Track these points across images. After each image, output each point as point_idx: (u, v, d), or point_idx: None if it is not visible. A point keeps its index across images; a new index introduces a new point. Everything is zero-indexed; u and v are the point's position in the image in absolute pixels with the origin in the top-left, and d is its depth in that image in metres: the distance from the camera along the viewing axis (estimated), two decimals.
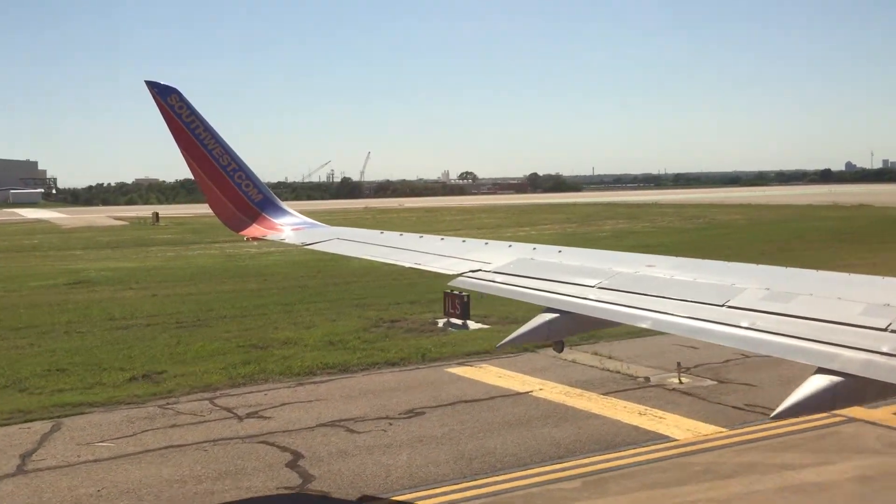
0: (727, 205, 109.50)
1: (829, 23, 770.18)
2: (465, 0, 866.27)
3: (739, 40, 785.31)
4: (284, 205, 12.88)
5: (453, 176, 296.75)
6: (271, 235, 12.14)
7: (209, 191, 11.97)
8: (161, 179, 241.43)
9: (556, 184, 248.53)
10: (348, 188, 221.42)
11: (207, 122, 11.57)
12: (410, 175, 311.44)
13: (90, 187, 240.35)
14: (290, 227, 12.36)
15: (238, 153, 12.04)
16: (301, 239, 11.84)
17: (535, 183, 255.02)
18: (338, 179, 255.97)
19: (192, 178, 12.20)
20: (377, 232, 11.69)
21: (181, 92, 11.32)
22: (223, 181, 11.89)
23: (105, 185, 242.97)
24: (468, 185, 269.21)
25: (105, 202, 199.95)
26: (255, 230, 12.15)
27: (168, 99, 11.26)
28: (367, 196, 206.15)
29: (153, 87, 11.21)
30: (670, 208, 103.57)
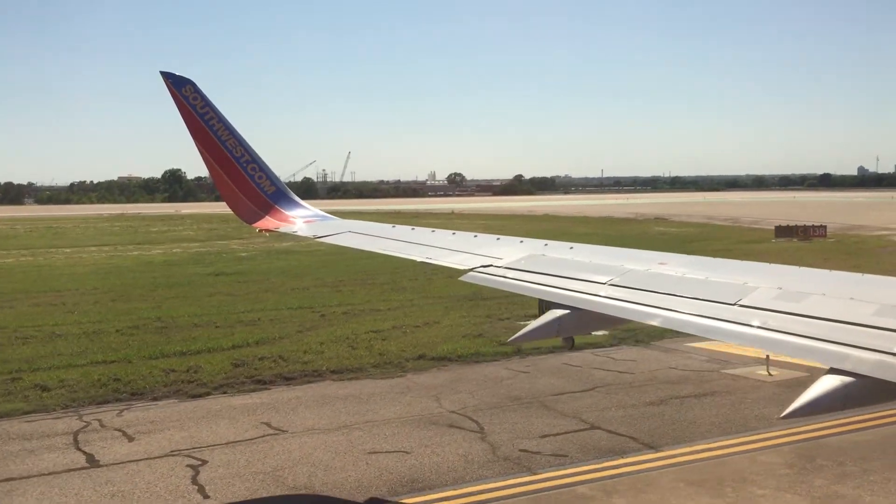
0: (534, 215, 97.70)
1: (857, 26, 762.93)
2: (469, 2, 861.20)
3: (762, 44, 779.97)
4: (297, 198, 12.89)
5: (441, 177, 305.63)
6: (284, 228, 12.16)
7: (222, 182, 11.98)
8: (144, 177, 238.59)
9: (509, 185, 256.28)
10: (305, 188, 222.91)
11: (222, 114, 11.59)
12: (406, 176, 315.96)
13: (72, 185, 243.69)
14: (302, 219, 12.37)
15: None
16: (313, 231, 11.86)
17: (518, 185, 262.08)
18: (330, 179, 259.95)
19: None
20: (389, 226, 11.70)
21: (196, 83, 11.34)
22: (236, 173, 11.91)
23: (88, 182, 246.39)
24: (423, 187, 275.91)
25: (51, 199, 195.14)
26: (267, 222, 12.17)
27: (182, 90, 11.28)
28: (321, 197, 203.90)
29: (168, 77, 11.23)
30: (435, 218, 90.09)
